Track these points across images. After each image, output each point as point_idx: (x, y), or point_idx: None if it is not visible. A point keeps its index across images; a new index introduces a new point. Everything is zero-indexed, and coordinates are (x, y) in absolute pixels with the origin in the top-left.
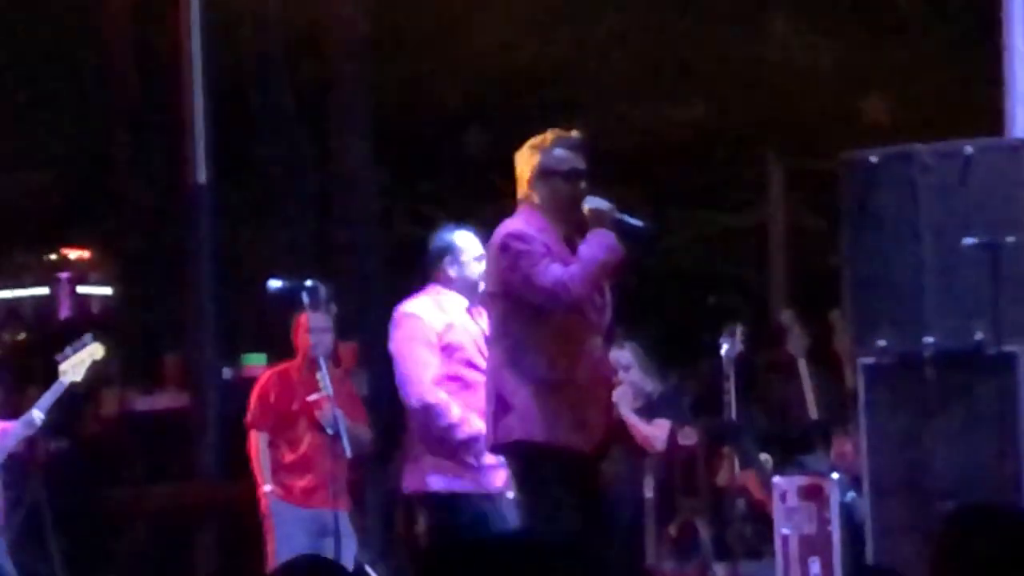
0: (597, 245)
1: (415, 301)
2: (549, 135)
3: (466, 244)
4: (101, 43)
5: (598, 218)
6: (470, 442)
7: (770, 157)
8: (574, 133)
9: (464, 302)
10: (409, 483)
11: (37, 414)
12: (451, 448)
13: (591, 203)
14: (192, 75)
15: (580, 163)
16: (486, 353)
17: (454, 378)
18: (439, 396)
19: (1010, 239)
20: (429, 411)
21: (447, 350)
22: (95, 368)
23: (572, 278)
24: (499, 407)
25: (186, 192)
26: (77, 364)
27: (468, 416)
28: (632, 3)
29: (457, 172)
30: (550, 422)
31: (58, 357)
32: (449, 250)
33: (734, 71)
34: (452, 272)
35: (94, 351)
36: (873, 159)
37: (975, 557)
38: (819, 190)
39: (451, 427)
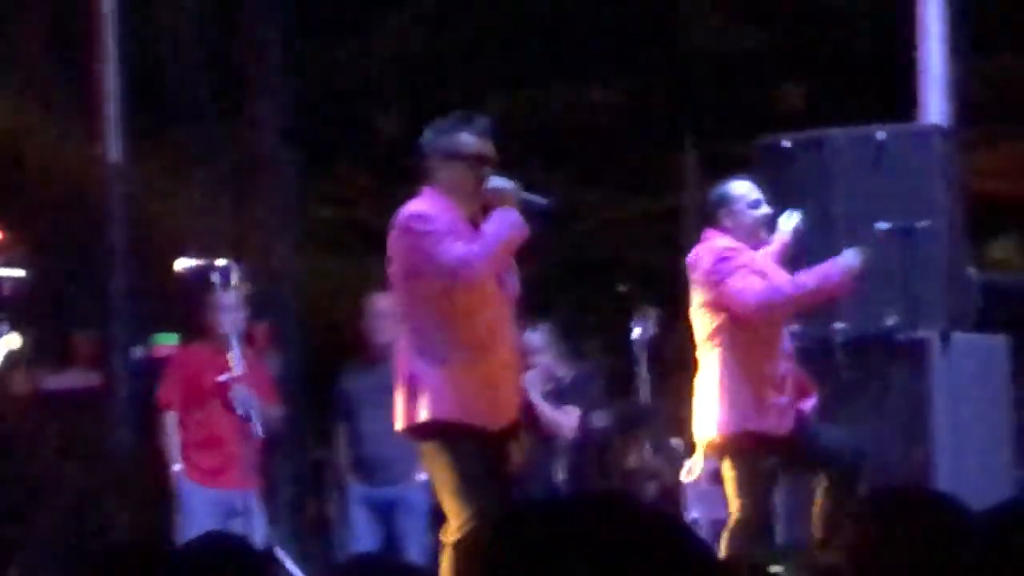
0: (500, 223)
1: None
2: (454, 118)
3: (739, 192)
4: (13, 21)
5: (501, 197)
6: None
7: (685, 142)
8: (481, 117)
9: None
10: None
11: None
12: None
13: (494, 183)
14: (106, 54)
15: (486, 148)
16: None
17: None
18: None
19: (922, 224)
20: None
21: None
22: (10, 357)
23: (475, 255)
24: (409, 388)
25: (98, 171)
26: None
27: None
28: None
29: (371, 154)
30: (462, 401)
31: None
32: (724, 200)
33: (649, 55)
34: (728, 221)
35: (9, 341)
36: (787, 144)
37: (894, 541)
38: (734, 175)
39: None
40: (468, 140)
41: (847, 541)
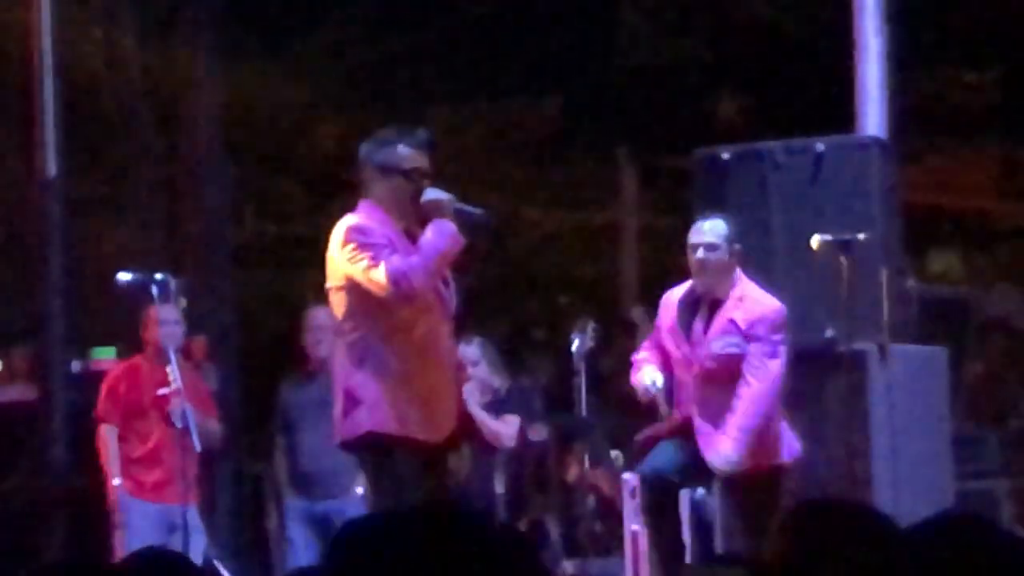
0: (437, 235)
1: None
2: (391, 131)
3: None
4: None
5: (437, 209)
6: None
7: (622, 155)
8: (419, 130)
9: None
10: None
11: None
12: None
13: (430, 195)
14: (42, 68)
15: (423, 161)
16: None
17: None
18: None
19: (861, 236)
20: None
21: None
22: None
23: (412, 268)
24: (347, 401)
25: (35, 185)
26: None
27: None
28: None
29: (306, 167)
30: (400, 414)
31: None
32: None
33: (585, 68)
34: None
35: None
36: (725, 156)
37: (818, 553)
38: (672, 188)
39: None
40: (404, 153)
41: (772, 553)
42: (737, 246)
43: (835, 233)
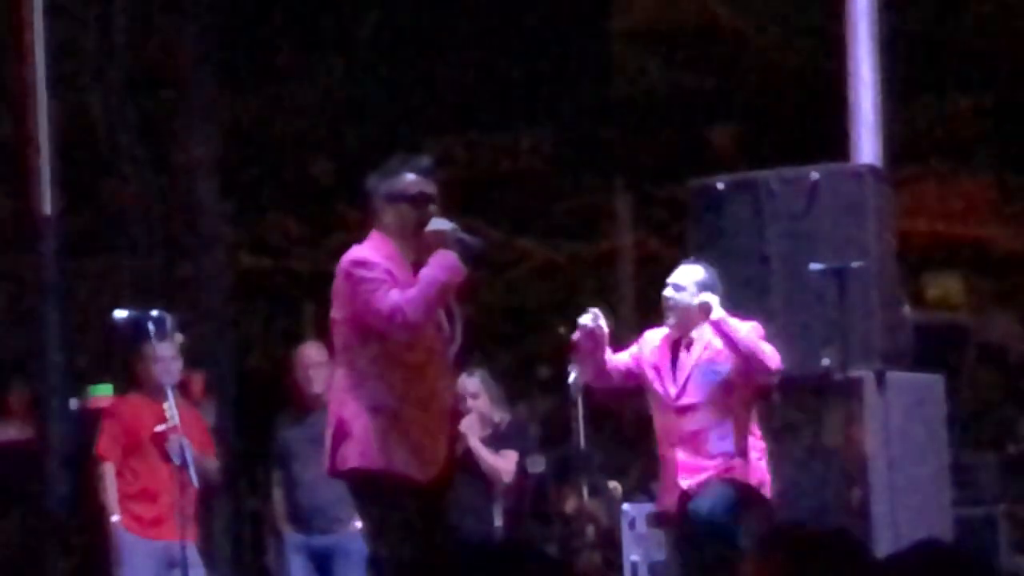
0: (437, 266)
1: None
2: (395, 160)
3: None
4: None
5: (439, 239)
6: None
7: (618, 184)
8: (424, 157)
9: None
10: None
11: None
12: None
13: (433, 224)
14: (37, 108)
15: (429, 187)
16: None
17: None
18: None
19: (856, 264)
20: None
21: None
22: None
23: (409, 302)
24: (338, 431)
25: (31, 223)
26: None
27: None
28: (480, 31)
29: (302, 202)
30: (386, 450)
31: None
32: None
33: (580, 99)
34: None
35: None
36: (720, 185)
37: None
38: (668, 217)
39: None
40: (410, 180)
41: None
42: (711, 293)
43: (830, 261)
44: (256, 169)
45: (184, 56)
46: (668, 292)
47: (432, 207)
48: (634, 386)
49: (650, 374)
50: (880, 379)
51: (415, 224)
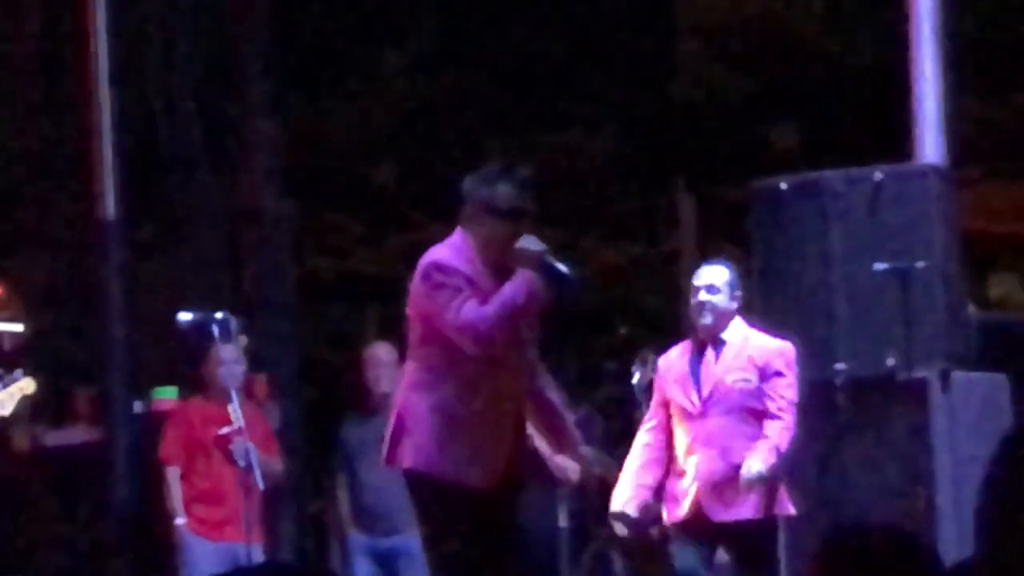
0: (518, 288)
1: None
2: (495, 168)
3: None
4: (9, 82)
5: (526, 259)
6: None
7: (680, 186)
8: (520, 168)
9: None
10: None
11: None
12: None
13: (523, 242)
14: (100, 111)
15: (524, 201)
16: None
17: None
18: None
19: (920, 264)
20: None
21: None
22: (25, 403)
23: (484, 320)
24: (398, 426)
25: (95, 228)
26: (6, 399)
27: None
28: (542, 32)
29: (365, 203)
30: (443, 455)
31: None
32: None
33: (643, 99)
34: None
35: (24, 386)
36: (783, 187)
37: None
38: (730, 219)
39: None
40: (506, 192)
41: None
42: (738, 292)
43: (894, 262)
44: (319, 171)
45: (248, 59)
46: (703, 296)
47: (525, 222)
48: None
49: (675, 392)
50: (944, 379)
51: (505, 238)
